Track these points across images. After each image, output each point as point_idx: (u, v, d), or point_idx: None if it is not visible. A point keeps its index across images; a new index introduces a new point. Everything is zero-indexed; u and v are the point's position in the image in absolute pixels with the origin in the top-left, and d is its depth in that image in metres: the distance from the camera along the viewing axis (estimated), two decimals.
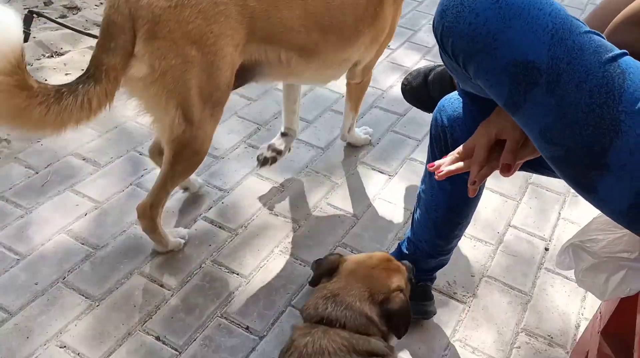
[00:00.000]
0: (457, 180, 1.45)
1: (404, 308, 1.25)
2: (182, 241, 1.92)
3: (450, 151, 1.43)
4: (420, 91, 2.07)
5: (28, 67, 2.67)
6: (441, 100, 1.47)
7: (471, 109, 1.38)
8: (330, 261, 1.36)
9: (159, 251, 1.89)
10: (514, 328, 1.78)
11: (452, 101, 1.43)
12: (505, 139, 1.19)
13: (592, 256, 1.27)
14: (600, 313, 1.57)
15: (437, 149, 1.47)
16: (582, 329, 1.79)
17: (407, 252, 1.69)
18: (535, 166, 1.35)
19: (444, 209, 1.53)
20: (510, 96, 0.98)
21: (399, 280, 1.30)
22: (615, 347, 1.47)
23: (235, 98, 2.68)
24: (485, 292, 1.89)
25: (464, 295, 1.87)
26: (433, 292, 1.78)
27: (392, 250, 1.83)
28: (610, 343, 1.48)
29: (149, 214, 1.76)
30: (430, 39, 3.33)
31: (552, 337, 1.77)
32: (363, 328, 1.21)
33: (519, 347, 1.73)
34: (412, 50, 3.24)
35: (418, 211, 1.61)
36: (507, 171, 1.18)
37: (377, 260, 1.35)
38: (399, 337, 1.28)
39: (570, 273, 1.96)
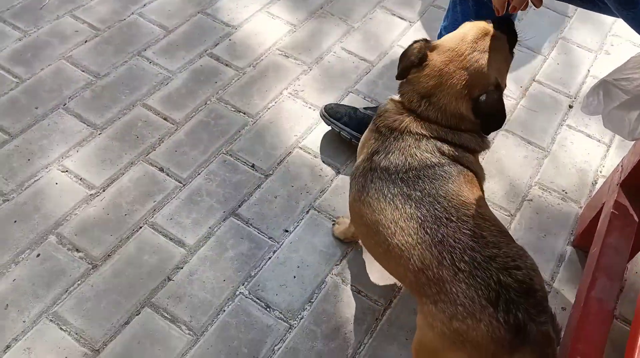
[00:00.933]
0: (483, 9, 1.32)
1: (497, 107, 1.14)
2: None
3: None
4: None
5: None
6: None
7: None
8: (416, 50, 1.17)
9: None
10: (527, 181, 1.73)
11: None
12: None
13: (626, 94, 1.17)
14: (621, 166, 1.49)
15: None
16: (598, 186, 1.73)
17: None
18: None
19: None
20: None
21: (498, 66, 1.15)
22: (633, 198, 1.42)
23: None
24: (501, 145, 1.81)
25: None
26: None
27: None
28: (628, 195, 1.42)
29: None
30: None
31: (566, 192, 1.71)
32: (455, 125, 1.16)
33: (531, 200, 1.68)
34: None
35: None
36: None
37: (472, 40, 1.14)
38: (486, 134, 1.21)
39: (592, 131, 1.87)
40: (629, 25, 0.90)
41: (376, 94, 1.89)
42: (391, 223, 1.07)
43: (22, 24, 1.91)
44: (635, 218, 1.39)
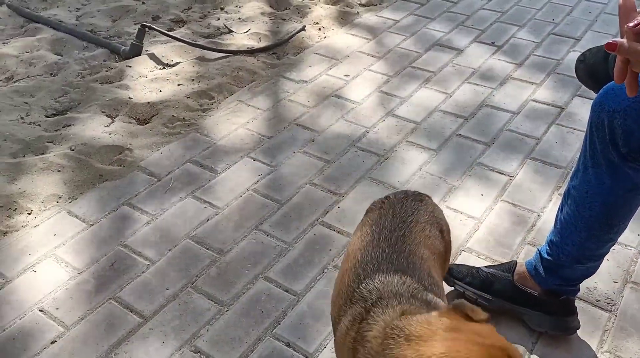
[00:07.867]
0: (618, 174, 1.33)
1: None
2: None
3: (613, 143, 1.28)
4: (598, 67, 1.78)
5: (142, 79, 2.77)
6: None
7: None
8: None
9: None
10: None
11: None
12: None
13: None
14: None
15: (599, 140, 1.32)
16: None
17: (549, 258, 1.56)
18: None
19: (600, 208, 1.39)
20: None
21: None
22: None
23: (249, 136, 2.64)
24: (632, 299, 1.73)
25: (607, 303, 1.72)
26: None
27: (526, 257, 1.70)
28: None
29: None
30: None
31: None
32: None
33: None
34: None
35: (565, 209, 1.48)
36: None
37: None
38: None
39: None
40: None
41: (490, 251, 1.89)
42: None
43: (150, 208, 2.07)
44: None
